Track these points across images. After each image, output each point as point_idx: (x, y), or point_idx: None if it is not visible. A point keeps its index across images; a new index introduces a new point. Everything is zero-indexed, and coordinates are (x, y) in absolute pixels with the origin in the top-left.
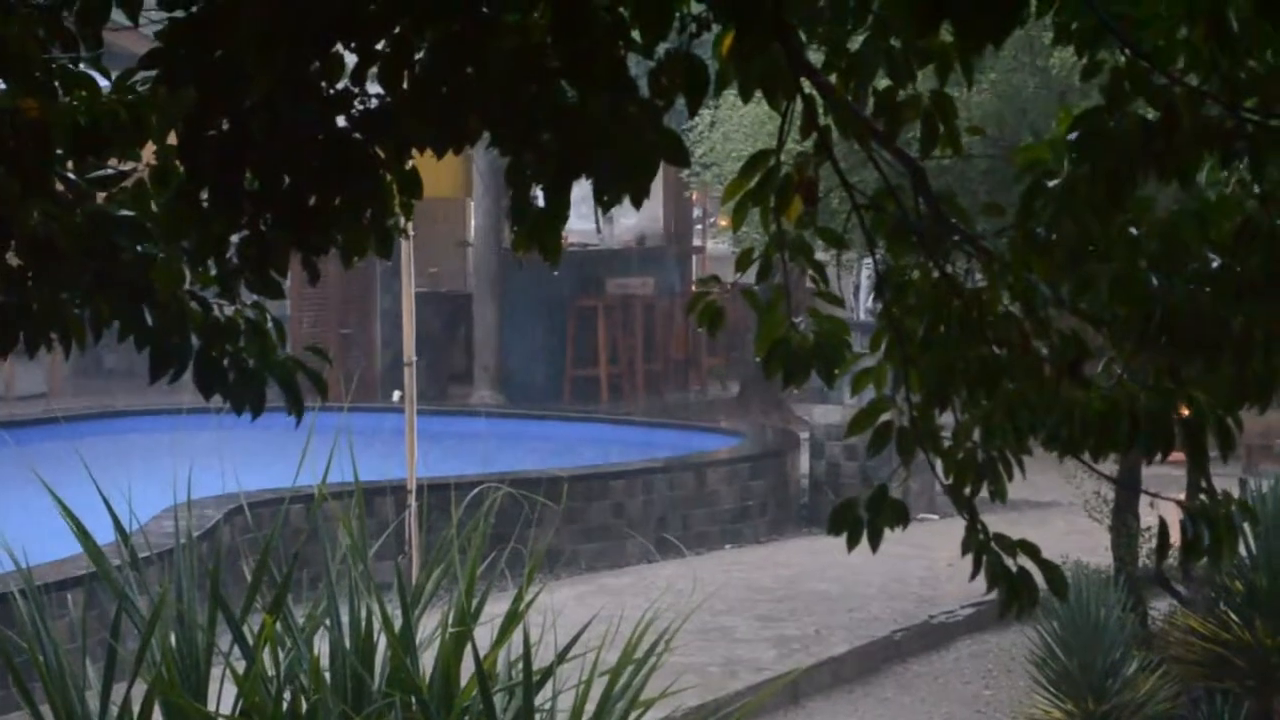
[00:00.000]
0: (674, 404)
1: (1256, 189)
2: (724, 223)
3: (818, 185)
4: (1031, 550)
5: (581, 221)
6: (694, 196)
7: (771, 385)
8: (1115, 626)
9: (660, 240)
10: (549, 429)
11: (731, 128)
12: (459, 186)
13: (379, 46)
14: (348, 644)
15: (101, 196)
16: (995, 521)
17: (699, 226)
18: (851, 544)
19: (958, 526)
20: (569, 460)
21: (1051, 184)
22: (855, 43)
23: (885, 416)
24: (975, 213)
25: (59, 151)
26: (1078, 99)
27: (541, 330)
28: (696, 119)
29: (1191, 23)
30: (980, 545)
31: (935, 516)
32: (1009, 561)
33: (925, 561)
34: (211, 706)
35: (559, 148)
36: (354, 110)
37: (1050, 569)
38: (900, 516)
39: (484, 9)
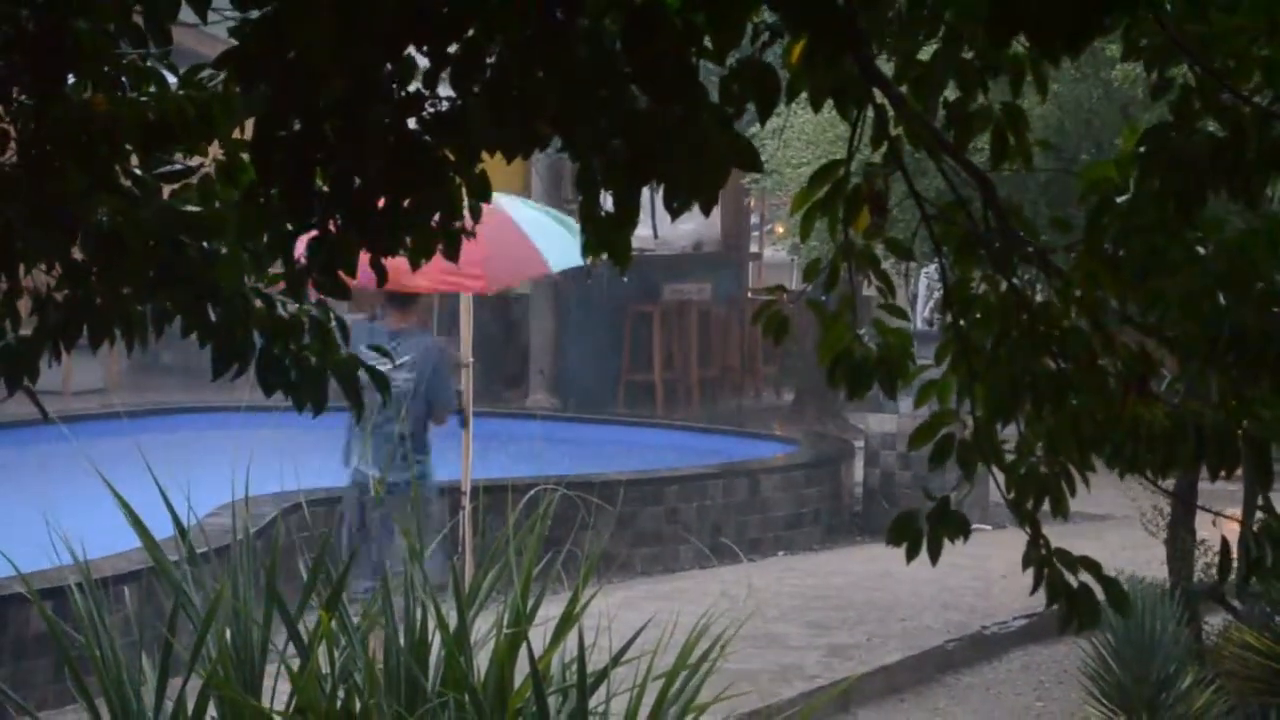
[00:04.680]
0: (729, 410)
1: None
2: (780, 229)
3: (888, 196)
4: (1093, 566)
5: (638, 226)
6: (751, 203)
7: (827, 393)
8: (1170, 640)
9: (717, 246)
10: (604, 433)
11: (792, 134)
12: (517, 188)
13: (451, 50)
14: (402, 643)
15: (167, 192)
16: (1050, 534)
17: (756, 233)
18: (911, 555)
19: (1011, 537)
20: (623, 464)
21: (1120, 200)
22: (926, 53)
23: (947, 429)
24: (1035, 224)
25: (127, 147)
26: (1140, 111)
27: (597, 334)
28: (757, 125)
29: (1269, 40)
30: (1041, 560)
31: (988, 527)
32: (1070, 577)
33: (978, 572)
34: (266, 703)
35: (629, 153)
36: (425, 113)
37: (1111, 585)
38: (961, 529)
39: (557, 14)
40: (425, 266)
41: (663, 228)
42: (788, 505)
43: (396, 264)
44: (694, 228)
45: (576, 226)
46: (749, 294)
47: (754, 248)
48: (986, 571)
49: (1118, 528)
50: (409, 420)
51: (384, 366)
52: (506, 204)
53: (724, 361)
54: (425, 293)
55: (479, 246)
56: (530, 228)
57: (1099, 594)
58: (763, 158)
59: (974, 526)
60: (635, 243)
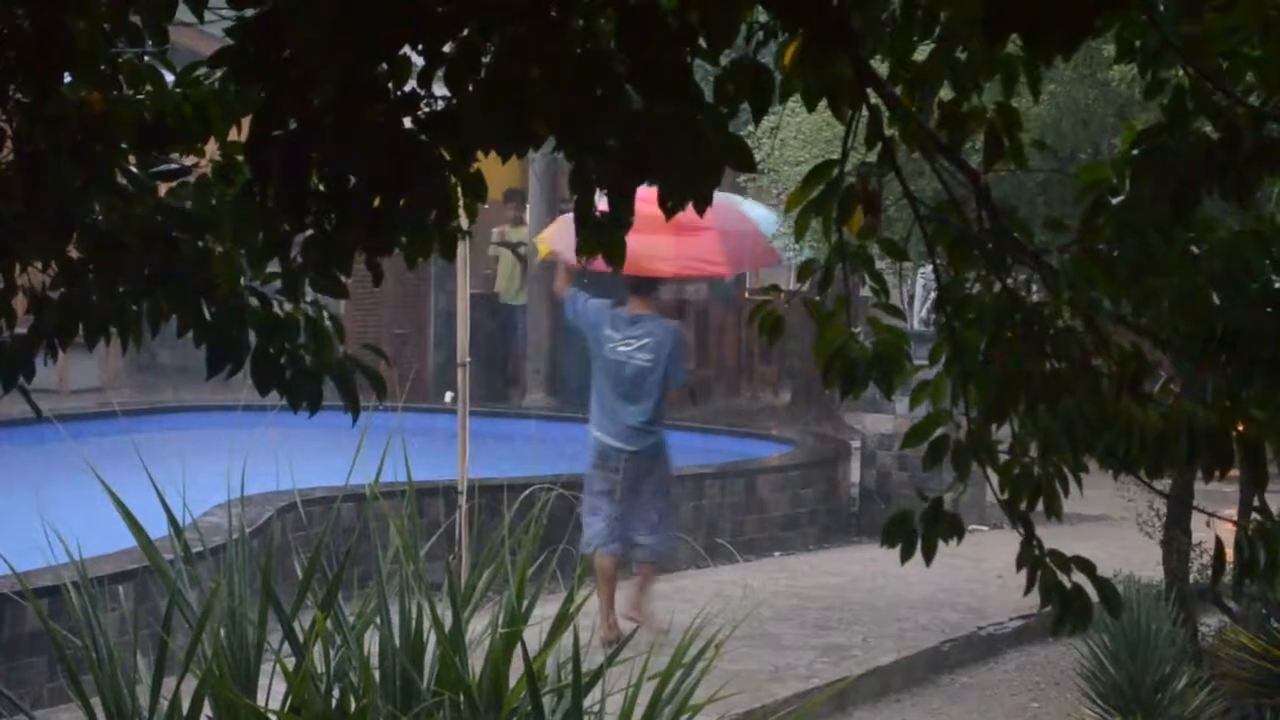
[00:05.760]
0: (726, 410)
1: None
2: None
3: (881, 196)
4: (1087, 567)
5: None
6: None
7: (824, 393)
8: (1165, 641)
9: None
10: None
11: (789, 134)
12: (515, 187)
13: (446, 49)
14: (397, 643)
15: (164, 190)
16: (1046, 535)
17: None
18: (905, 556)
19: (1007, 538)
20: None
21: (1114, 200)
22: (921, 53)
23: (942, 429)
24: (1033, 224)
25: (123, 145)
26: (1137, 112)
27: None
28: (752, 125)
29: (1262, 41)
30: (1035, 561)
31: (985, 528)
32: (1063, 578)
33: (974, 573)
34: (261, 702)
35: (624, 152)
36: (420, 112)
37: (1104, 586)
38: (955, 530)
39: (551, 13)
40: (670, 253)
41: None
42: (784, 505)
43: (642, 251)
44: None
45: None
46: (746, 294)
47: None
48: (983, 572)
49: (1114, 529)
50: (648, 395)
51: (625, 347)
52: (738, 199)
53: (721, 361)
54: (668, 278)
55: (717, 236)
56: (762, 223)
57: (1092, 594)
58: (759, 157)
59: (970, 527)
60: None
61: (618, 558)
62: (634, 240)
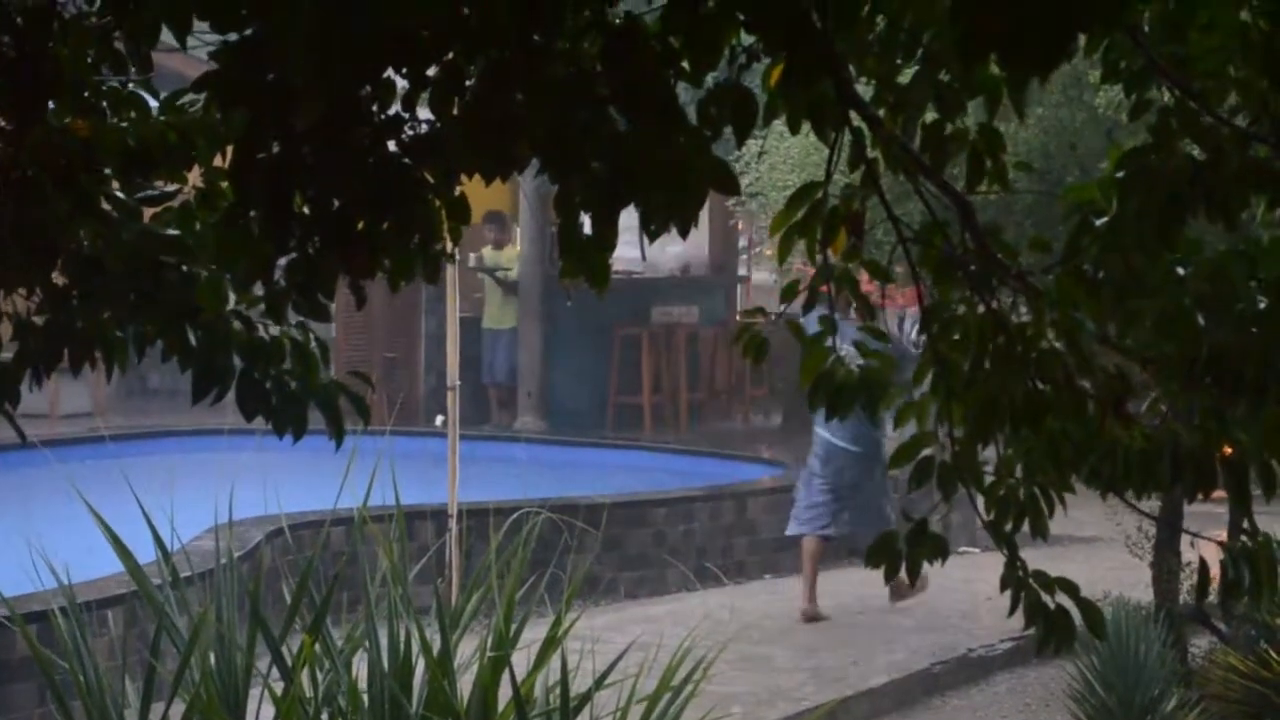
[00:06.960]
0: (717, 433)
1: None
2: (769, 252)
3: (864, 218)
4: (1070, 588)
5: (626, 249)
6: (739, 226)
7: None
8: (1155, 663)
9: (705, 269)
10: (591, 456)
11: (778, 158)
12: (506, 209)
13: (430, 72)
14: (386, 666)
15: (148, 216)
16: (1038, 557)
17: (744, 255)
18: (889, 577)
19: (998, 560)
20: (610, 487)
21: (1099, 222)
22: (905, 76)
23: (928, 451)
24: (1021, 247)
25: (107, 172)
26: (1125, 135)
27: (585, 357)
28: (743, 148)
29: (1244, 61)
30: (1019, 582)
31: (976, 550)
32: (1047, 599)
33: (965, 595)
34: None
35: (607, 175)
36: (404, 135)
37: (1088, 607)
38: (939, 551)
39: (535, 37)
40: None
41: (650, 251)
42: (775, 528)
43: None
44: (681, 250)
45: None
46: (737, 317)
47: (742, 270)
48: (973, 594)
49: (1105, 550)
50: None
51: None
52: None
53: (712, 384)
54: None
55: None
56: None
57: (1077, 616)
58: (749, 180)
59: (961, 549)
60: (622, 265)
61: (824, 542)
62: None
